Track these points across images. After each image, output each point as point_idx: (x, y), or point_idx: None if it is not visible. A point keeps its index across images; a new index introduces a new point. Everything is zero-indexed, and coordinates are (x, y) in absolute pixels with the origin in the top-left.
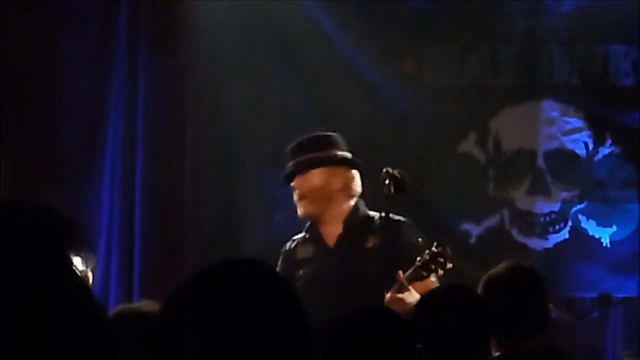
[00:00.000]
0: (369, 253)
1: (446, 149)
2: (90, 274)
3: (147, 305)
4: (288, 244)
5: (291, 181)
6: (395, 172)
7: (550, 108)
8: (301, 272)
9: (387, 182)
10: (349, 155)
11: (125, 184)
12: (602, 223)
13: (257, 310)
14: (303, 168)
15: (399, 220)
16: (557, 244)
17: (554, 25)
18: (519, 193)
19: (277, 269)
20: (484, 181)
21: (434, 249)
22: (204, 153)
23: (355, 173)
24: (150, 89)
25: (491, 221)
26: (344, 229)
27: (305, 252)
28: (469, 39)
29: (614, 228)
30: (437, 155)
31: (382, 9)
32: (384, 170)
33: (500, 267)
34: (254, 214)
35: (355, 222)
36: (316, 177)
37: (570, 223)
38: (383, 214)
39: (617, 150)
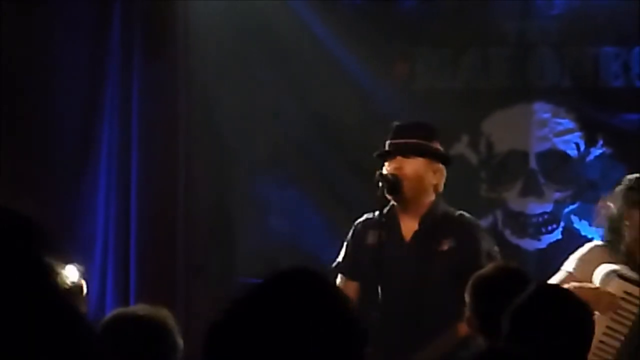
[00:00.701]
0: (442, 255)
1: None
2: (83, 283)
3: (143, 309)
4: (360, 222)
5: (389, 157)
6: (388, 174)
7: (541, 110)
8: (369, 257)
9: (380, 184)
10: (446, 153)
11: (120, 189)
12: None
13: (312, 321)
14: (411, 151)
15: (475, 225)
16: (550, 245)
17: (544, 27)
18: (512, 194)
19: (347, 246)
20: (477, 183)
21: None
22: (198, 157)
23: (444, 171)
24: (144, 93)
25: (484, 222)
26: (423, 225)
27: (377, 238)
28: (460, 42)
29: None
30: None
31: (374, 11)
32: (377, 172)
33: (488, 267)
34: (248, 218)
35: (433, 220)
36: (421, 165)
37: (562, 224)
38: (460, 214)
39: (608, 151)
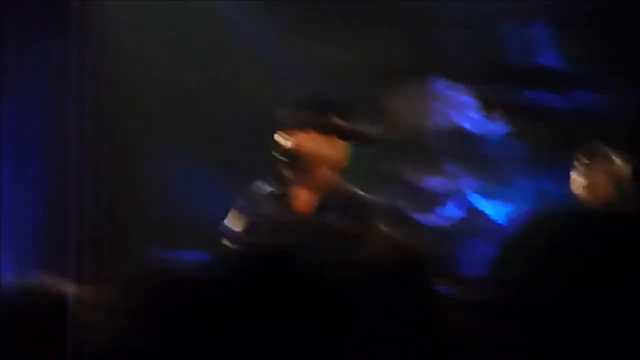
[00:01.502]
0: (336, 232)
1: None
2: None
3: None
4: (256, 193)
5: (286, 132)
6: (289, 149)
7: (441, 85)
8: (263, 229)
9: (281, 159)
10: (348, 126)
11: (21, 170)
12: (493, 199)
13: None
14: (311, 127)
15: (370, 201)
16: (449, 221)
17: (445, 3)
18: (411, 169)
19: (237, 211)
20: (376, 158)
21: None
22: (105, 132)
23: (346, 145)
24: (49, 68)
25: (382, 197)
26: (318, 200)
27: (270, 209)
28: (362, 18)
29: (506, 205)
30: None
31: None
32: (278, 147)
33: (381, 242)
34: (154, 193)
35: (329, 195)
36: (320, 140)
37: (461, 199)
38: (355, 190)
39: (508, 127)
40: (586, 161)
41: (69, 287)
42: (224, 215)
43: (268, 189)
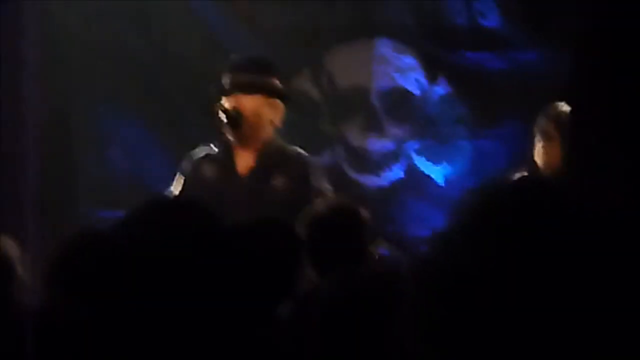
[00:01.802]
0: (277, 193)
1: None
2: None
3: None
4: (196, 155)
5: (228, 93)
6: (229, 110)
7: (383, 46)
8: (203, 191)
9: (221, 119)
10: (285, 89)
11: None
12: (436, 161)
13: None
14: (249, 88)
15: (310, 162)
16: (391, 182)
17: None
18: (352, 130)
19: (183, 180)
20: (317, 118)
21: None
22: (42, 92)
23: (283, 107)
24: None
25: (324, 158)
26: (258, 161)
27: (212, 172)
28: None
29: (447, 166)
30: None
31: None
32: (218, 106)
33: (319, 204)
34: (88, 149)
35: (269, 156)
36: (259, 101)
37: (404, 161)
38: (296, 150)
39: (450, 89)
40: (544, 126)
41: (12, 248)
42: (168, 178)
43: (210, 151)
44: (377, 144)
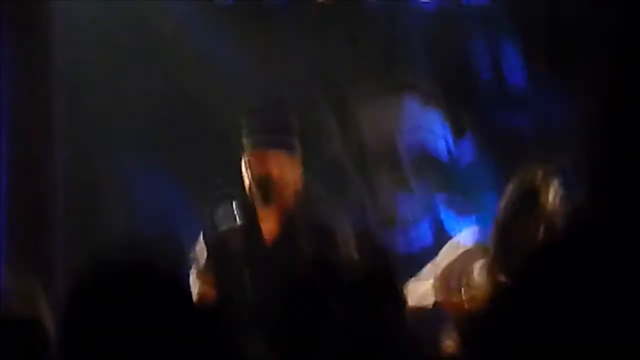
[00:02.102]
0: (305, 261)
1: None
2: None
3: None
4: (220, 228)
5: (252, 152)
6: (261, 176)
7: (411, 105)
8: (231, 265)
9: (255, 189)
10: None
11: None
12: (463, 216)
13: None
14: (277, 146)
15: (337, 224)
16: (419, 242)
17: (415, 23)
18: (380, 187)
19: (207, 255)
20: (345, 176)
21: None
22: (69, 144)
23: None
24: (13, 80)
25: (353, 216)
26: (284, 226)
27: (237, 241)
28: (330, 39)
29: (474, 221)
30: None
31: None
32: (251, 172)
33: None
34: (117, 202)
35: (295, 220)
36: (287, 162)
37: (431, 216)
38: (322, 213)
39: (476, 146)
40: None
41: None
42: (192, 228)
43: (231, 214)
44: (405, 200)
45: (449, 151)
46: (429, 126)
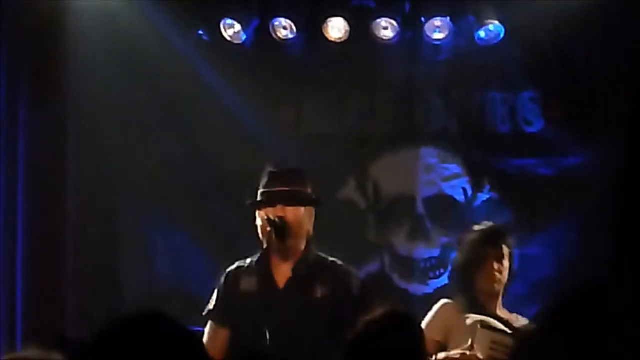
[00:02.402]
0: (317, 303)
1: (326, 195)
2: None
3: (33, 353)
4: (232, 269)
5: (269, 205)
6: (276, 219)
7: (429, 155)
8: (243, 306)
9: (269, 229)
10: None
11: (7, 234)
12: None
13: None
14: (292, 200)
15: (348, 271)
16: (437, 289)
17: (431, 72)
18: (399, 239)
19: (219, 293)
20: (364, 227)
21: None
22: (85, 202)
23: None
24: (30, 140)
25: (372, 267)
26: (296, 272)
27: (250, 285)
28: (347, 87)
29: None
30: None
31: (262, 55)
32: (266, 217)
33: (377, 312)
34: (134, 263)
35: (307, 266)
36: (301, 212)
37: (450, 268)
38: (332, 260)
39: (495, 195)
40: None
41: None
42: (205, 282)
43: (243, 264)
44: (424, 253)
45: (467, 203)
46: (447, 178)
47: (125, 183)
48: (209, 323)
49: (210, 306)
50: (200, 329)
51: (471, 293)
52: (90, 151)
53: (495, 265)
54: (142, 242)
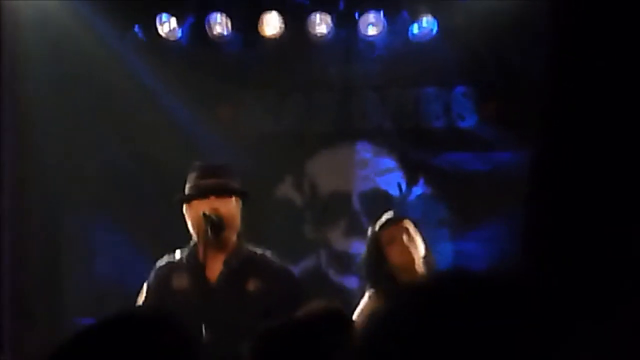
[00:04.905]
0: (250, 295)
1: (263, 193)
2: None
3: None
4: (161, 264)
5: (201, 197)
6: (212, 214)
7: (364, 150)
8: (175, 302)
9: (204, 224)
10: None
11: None
12: None
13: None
14: (224, 191)
15: (278, 264)
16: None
17: (366, 70)
18: (336, 234)
19: (149, 290)
20: (301, 223)
21: None
22: (23, 202)
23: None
24: None
25: (308, 262)
26: (228, 266)
27: (182, 281)
28: (283, 85)
29: None
30: (255, 199)
31: (199, 54)
32: (202, 213)
33: (309, 307)
34: (75, 260)
35: (238, 260)
36: (233, 204)
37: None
38: (262, 253)
39: (429, 190)
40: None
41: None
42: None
43: (173, 259)
44: (360, 247)
45: (402, 197)
46: (382, 173)
47: (63, 183)
48: None
49: (140, 301)
50: None
51: (386, 271)
52: (28, 151)
53: (405, 238)
54: (82, 241)
